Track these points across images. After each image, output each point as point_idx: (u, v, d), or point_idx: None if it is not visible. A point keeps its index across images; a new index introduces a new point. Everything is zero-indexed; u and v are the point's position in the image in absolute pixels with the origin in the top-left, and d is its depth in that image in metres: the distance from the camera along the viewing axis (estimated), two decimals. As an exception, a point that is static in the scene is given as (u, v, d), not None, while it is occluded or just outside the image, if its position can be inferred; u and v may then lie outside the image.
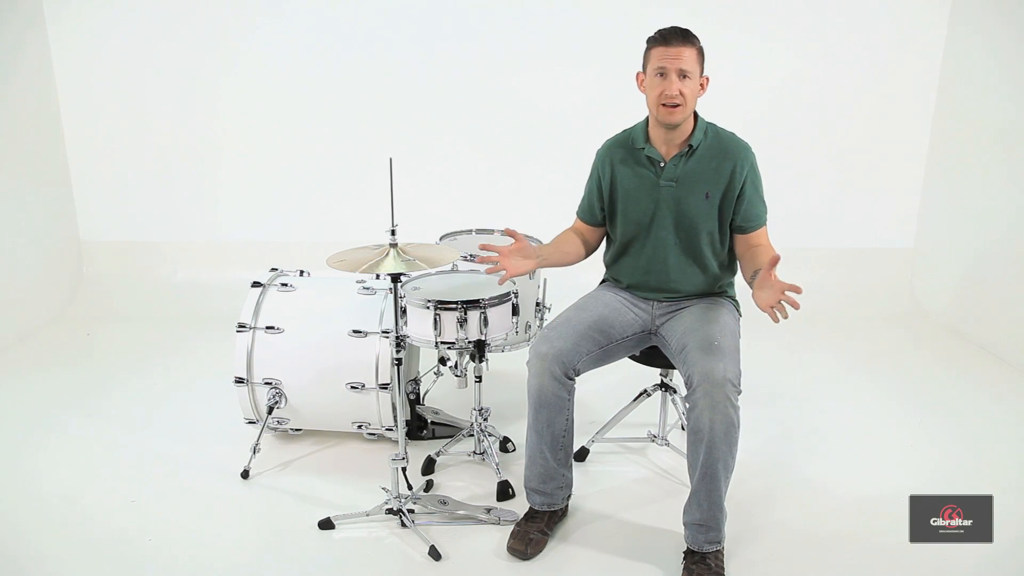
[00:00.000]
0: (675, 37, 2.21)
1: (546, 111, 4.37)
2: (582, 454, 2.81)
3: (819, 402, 3.32)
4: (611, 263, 2.54)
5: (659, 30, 2.25)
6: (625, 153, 2.41)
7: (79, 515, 2.48)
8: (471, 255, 2.71)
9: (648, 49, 2.27)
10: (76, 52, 4.27)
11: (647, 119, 2.39)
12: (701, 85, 2.28)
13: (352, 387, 2.69)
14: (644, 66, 2.30)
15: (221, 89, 4.35)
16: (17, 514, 2.50)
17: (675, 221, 2.35)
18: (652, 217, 2.37)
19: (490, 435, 2.80)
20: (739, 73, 4.23)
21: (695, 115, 2.34)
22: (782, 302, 1.99)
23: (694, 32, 2.24)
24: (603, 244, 2.60)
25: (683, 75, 2.20)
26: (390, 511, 2.39)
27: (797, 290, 1.96)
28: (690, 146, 2.31)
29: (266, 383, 2.73)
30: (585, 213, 2.54)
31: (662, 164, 2.35)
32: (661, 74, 2.22)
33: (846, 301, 4.41)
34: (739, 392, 2.08)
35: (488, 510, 2.45)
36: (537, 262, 2.34)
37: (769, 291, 2.03)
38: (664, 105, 2.23)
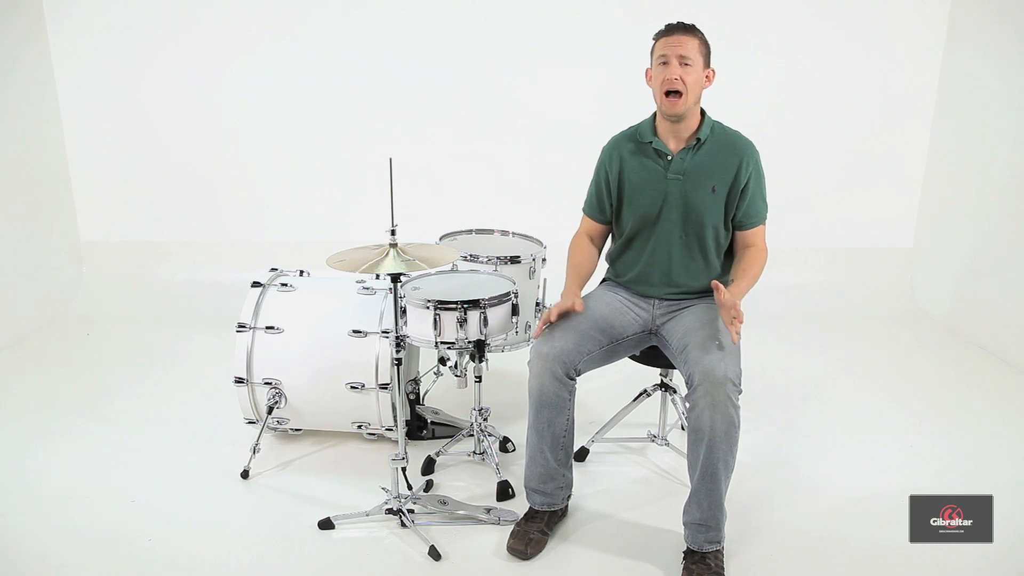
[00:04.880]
0: (676, 28, 2.30)
1: (546, 111, 4.37)
2: (582, 454, 2.81)
3: (819, 402, 3.32)
4: (614, 257, 2.55)
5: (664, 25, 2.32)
6: (634, 146, 2.42)
7: (79, 515, 2.48)
8: (471, 255, 2.71)
9: (653, 45, 2.33)
10: (76, 53, 4.27)
11: (654, 114, 2.41)
12: (707, 77, 2.31)
13: (352, 387, 2.69)
14: (651, 61, 2.35)
15: (221, 89, 4.35)
16: (17, 514, 2.50)
17: (682, 214, 2.36)
18: (659, 210, 2.38)
19: (490, 435, 2.80)
20: (740, 74, 4.23)
21: (702, 112, 2.36)
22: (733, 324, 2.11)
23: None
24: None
25: (684, 62, 2.25)
26: (390, 511, 2.39)
27: (738, 320, 2.09)
28: (698, 139, 2.34)
29: (266, 383, 2.73)
30: (595, 211, 2.54)
31: (670, 157, 2.36)
32: (663, 62, 2.27)
33: (846, 301, 4.42)
34: (740, 392, 2.08)
35: (488, 510, 2.45)
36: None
37: (723, 311, 2.16)
38: (667, 94, 2.27)
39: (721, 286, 2.13)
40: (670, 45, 2.26)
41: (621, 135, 2.49)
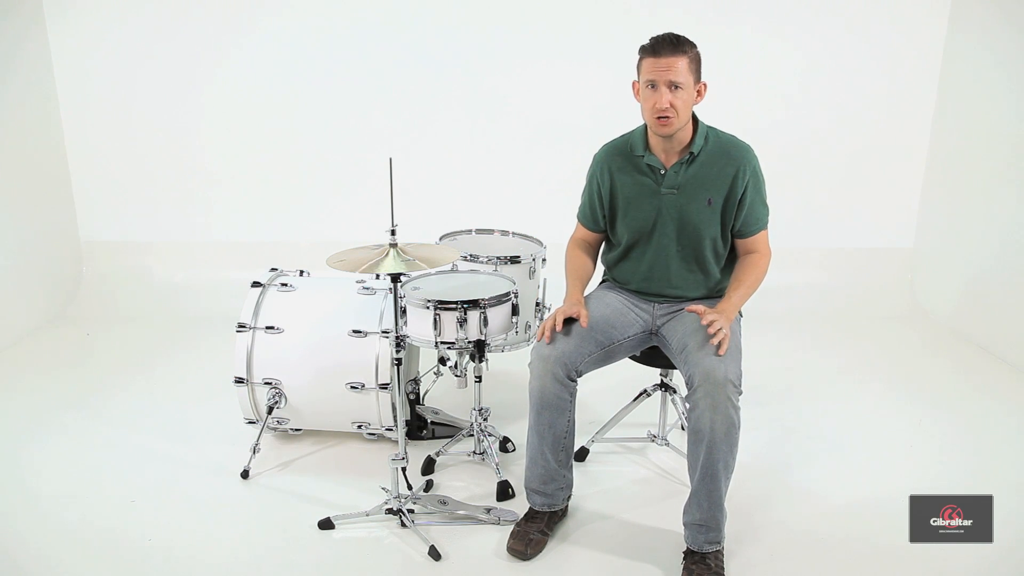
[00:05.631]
0: (665, 47, 2.16)
1: (546, 110, 4.37)
2: (582, 454, 2.81)
3: (819, 402, 3.31)
4: (612, 265, 2.54)
5: (651, 39, 2.20)
6: (624, 160, 2.38)
7: (79, 515, 2.48)
8: (471, 255, 2.71)
9: (640, 60, 2.23)
10: (76, 52, 4.27)
11: (646, 125, 2.35)
12: (698, 92, 2.24)
13: (352, 387, 2.69)
14: (637, 75, 2.26)
15: (221, 89, 4.35)
16: (17, 514, 2.50)
17: (677, 228, 2.34)
18: (654, 224, 2.36)
19: (490, 435, 2.79)
20: (740, 74, 4.23)
21: (695, 120, 2.31)
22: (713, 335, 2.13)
23: (690, 38, 2.19)
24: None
25: (673, 87, 2.16)
26: (390, 511, 2.39)
27: (716, 338, 2.12)
28: (691, 153, 2.29)
29: (266, 383, 2.73)
30: (588, 220, 2.52)
31: (663, 172, 2.33)
32: (651, 86, 2.19)
33: (846, 301, 4.42)
34: (740, 393, 2.08)
35: (488, 510, 2.45)
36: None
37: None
38: (657, 118, 2.21)
39: (701, 309, 2.17)
40: (659, 70, 2.15)
41: (611, 146, 2.44)
